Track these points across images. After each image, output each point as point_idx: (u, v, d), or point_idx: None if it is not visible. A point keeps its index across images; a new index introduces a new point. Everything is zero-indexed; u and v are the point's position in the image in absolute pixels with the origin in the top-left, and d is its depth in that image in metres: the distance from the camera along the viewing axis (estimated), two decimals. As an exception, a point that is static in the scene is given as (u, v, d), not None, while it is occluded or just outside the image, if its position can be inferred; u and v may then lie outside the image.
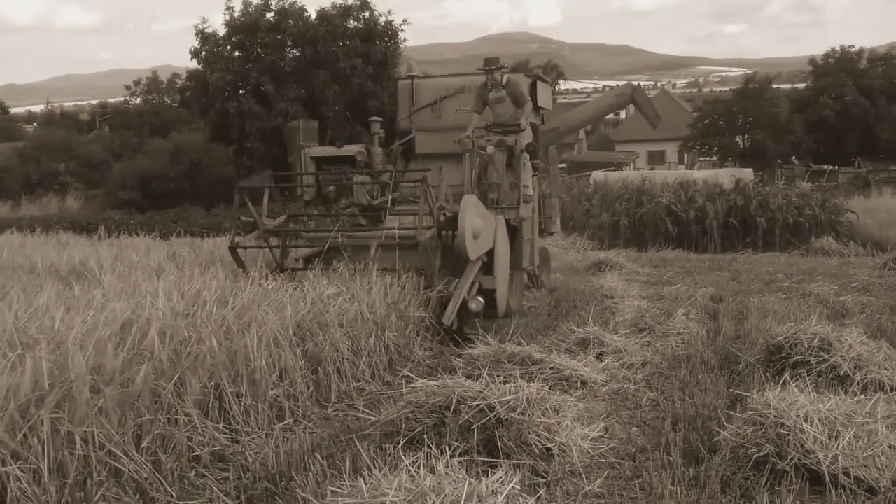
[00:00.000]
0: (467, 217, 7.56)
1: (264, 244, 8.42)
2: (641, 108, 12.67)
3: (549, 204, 11.12)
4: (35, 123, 50.47)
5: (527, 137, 9.25)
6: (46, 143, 31.28)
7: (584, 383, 5.74)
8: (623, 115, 69.63)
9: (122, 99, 49.00)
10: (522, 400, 4.36)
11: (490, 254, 8.12)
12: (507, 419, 4.26)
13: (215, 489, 4.03)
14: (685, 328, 7.64)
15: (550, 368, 5.84)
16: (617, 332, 7.26)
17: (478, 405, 4.33)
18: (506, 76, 9.39)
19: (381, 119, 10.25)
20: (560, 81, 54.58)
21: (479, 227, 7.70)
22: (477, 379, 4.79)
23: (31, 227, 15.80)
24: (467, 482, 3.22)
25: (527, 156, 9.16)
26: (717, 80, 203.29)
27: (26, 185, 28.12)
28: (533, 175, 9.66)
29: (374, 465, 3.72)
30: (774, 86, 45.97)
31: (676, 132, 47.38)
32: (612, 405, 5.40)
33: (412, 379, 5.07)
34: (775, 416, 4.18)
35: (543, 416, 4.35)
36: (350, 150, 9.62)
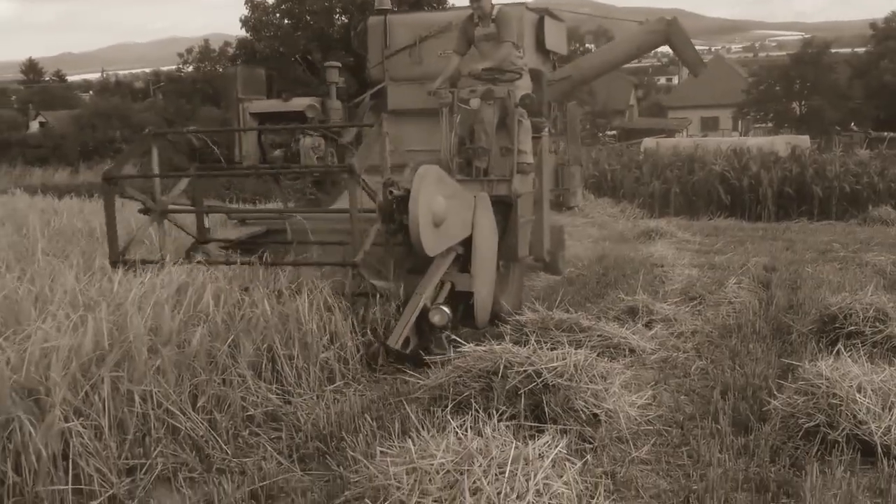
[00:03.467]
0: (421, 197, 5.52)
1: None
2: (679, 51, 9.61)
3: (567, 172, 9.23)
4: (91, 92, 51.47)
5: (525, 88, 7.17)
6: (102, 111, 31.95)
7: (632, 351, 5.73)
8: (675, 80, 68.26)
9: (174, 67, 49.58)
10: (570, 366, 4.37)
11: (467, 244, 6.27)
12: (554, 385, 4.28)
13: (268, 447, 4.15)
14: (737, 297, 7.54)
15: (598, 336, 5.83)
16: (666, 301, 7.20)
17: (525, 371, 4.35)
18: (497, 6, 7.29)
19: (338, 65, 8.31)
20: (611, 47, 53.63)
21: (441, 209, 5.74)
22: (524, 345, 4.81)
23: (88, 192, 16.19)
24: (514, 445, 3.25)
25: (523, 112, 7.03)
26: (773, 44, 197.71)
27: (83, 151, 28.79)
28: (535, 137, 7.53)
29: (422, 427, 3.78)
30: (833, 50, 44.65)
31: (731, 98, 46.44)
32: (661, 373, 5.39)
33: (459, 344, 5.12)
34: (827, 387, 4.13)
35: (591, 382, 4.36)
36: (298, 104, 7.66)
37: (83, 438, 3.66)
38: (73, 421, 3.65)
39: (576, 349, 4.70)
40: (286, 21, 26.74)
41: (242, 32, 27.48)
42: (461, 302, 6.16)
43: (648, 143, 24.75)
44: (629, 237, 12.93)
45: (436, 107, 6.81)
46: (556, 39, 8.58)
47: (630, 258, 10.32)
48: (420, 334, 5.78)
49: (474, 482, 3.03)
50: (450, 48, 7.43)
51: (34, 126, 35.34)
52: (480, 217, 6.37)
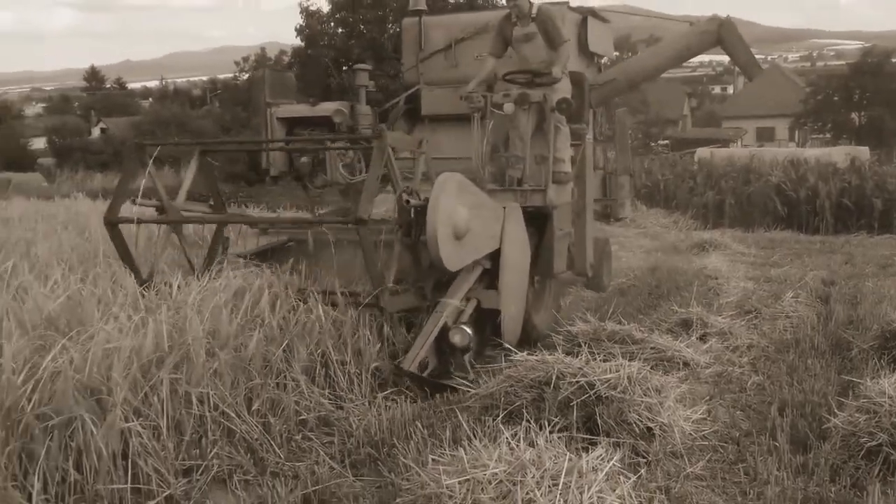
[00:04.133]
0: (441, 207, 5.12)
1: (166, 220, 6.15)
2: (733, 53, 8.56)
3: (616, 183, 8.86)
4: (150, 99, 52.78)
5: (563, 92, 6.64)
6: (161, 118, 32.70)
7: (686, 364, 5.64)
8: (730, 89, 67.23)
9: (231, 75, 50.51)
10: (623, 378, 4.32)
11: (496, 258, 5.89)
12: (607, 397, 4.24)
13: (321, 452, 4.18)
14: (794, 311, 7.38)
15: (651, 348, 5.75)
16: (721, 314, 7.07)
17: (578, 382, 4.32)
18: (536, 5, 6.80)
19: (368, 68, 7.95)
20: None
21: (463, 221, 5.33)
22: (577, 356, 4.78)
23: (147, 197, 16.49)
24: (567, 457, 3.23)
25: (561, 118, 6.57)
26: (831, 53, 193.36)
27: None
28: (575, 144, 7.09)
29: (474, 436, 3.78)
30: (894, 59, 43.44)
31: (787, 108, 45.54)
32: (716, 388, 5.30)
33: (511, 353, 5.11)
34: (890, 405, 4.01)
35: (645, 395, 4.30)
36: (326, 108, 7.23)
37: (142, 438, 3.74)
38: (132, 421, 3.74)
39: (629, 361, 4.65)
40: (340, 30, 27.05)
41: (298, 41, 27.90)
42: (488, 320, 5.81)
43: (702, 152, 24.41)
44: (682, 248, 12.75)
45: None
46: (600, 41, 8.17)
47: (683, 270, 10.17)
48: (440, 356, 5.39)
49: (527, 493, 3.02)
50: (486, 50, 7.06)
51: (96, 132, 36.36)
52: (510, 229, 5.94)
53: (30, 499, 3.38)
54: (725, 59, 9.71)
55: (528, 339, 6.16)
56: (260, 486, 3.85)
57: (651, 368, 4.89)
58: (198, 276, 5.27)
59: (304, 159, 7.14)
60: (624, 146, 9.07)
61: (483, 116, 6.42)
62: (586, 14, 7.87)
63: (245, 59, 49.73)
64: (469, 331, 5.37)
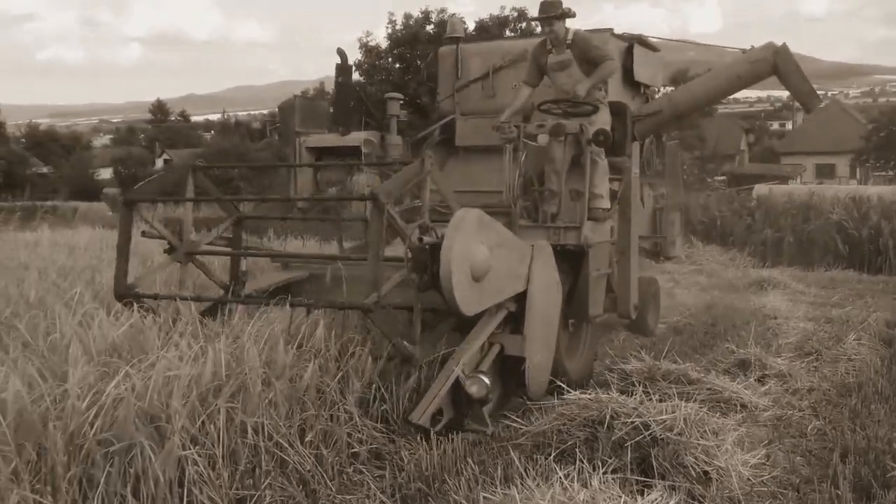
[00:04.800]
0: (457, 245, 4.66)
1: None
2: (788, 82, 7.82)
3: (666, 219, 8.45)
4: (212, 131, 54.17)
5: (602, 123, 6.29)
6: (222, 150, 33.50)
7: (744, 406, 5.51)
8: (789, 125, 66.22)
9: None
10: (680, 420, 4.25)
11: (522, 300, 5.43)
12: (663, 438, 4.17)
13: (372, 486, 4.19)
14: (856, 354, 7.17)
15: (708, 389, 5.64)
16: (780, 355, 6.91)
17: (632, 422, 4.26)
18: (571, 29, 6.45)
19: (400, 97, 7.79)
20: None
21: (482, 260, 4.86)
22: (631, 395, 4.71)
23: (207, 226, 16.85)
24: (623, 500, 3.18)
25: (599, 150, 6.19)
26: (894, 89, 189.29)
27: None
28: (615, 178, 6.74)
29: (525, 474, 3.75)
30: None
31: (848, 144, 44.66)
32: (775, 432, 5.16)
33: (564, 391, 5.06)
34: (960, 455, 3.86)
35: (702, 437, 4.22)
36: (354, 138, 7.05)
37: (198, 467, 3.79)
38: (189, 449, 3.79)
39: (685, 402, 4.57)
40: (397, 65, 27.49)
41: (356, 76, 28.42)
42: (512, 368, 5.38)
43: (761, 189, 23.97)
44: (739, 286, 12.51)
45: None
46: (647, 71, 7.85)
47: (740, 308, 9.97)
48: (456, 406, 4.99)
49: (581, 536, 2.98)
50: (521, 79, 6.79)
51: (160, 163, 37.40)
52: (538, 270, 5.48)
53: (89, 523, 3.45)
54: (784, 94, 9.40)
55: (558, 385, 5.50)
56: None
57: (708, 410, 4.80)
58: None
59: (331, 190, 6.99)
60: (674, 180, 8.70)
61: (516, 148, 6.16)
62: (632, 41, 7.58)
63: (304, 93, 50.73)
64: (486, 381, 4.97)
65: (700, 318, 9.38)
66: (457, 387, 4.93)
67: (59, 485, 3.42)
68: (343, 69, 7.08)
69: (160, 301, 5.50)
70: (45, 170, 34.26)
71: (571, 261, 6.11)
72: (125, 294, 5.54)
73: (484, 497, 3.59)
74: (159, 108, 48.43)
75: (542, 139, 6.10)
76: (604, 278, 6.57)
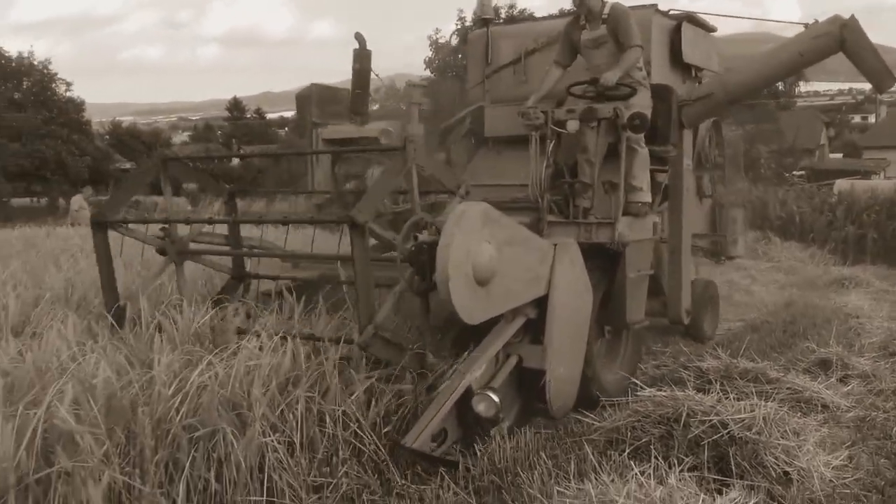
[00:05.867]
0: (455, 244, 4.15)
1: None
2: (857, 59, 6.73)
3: (727, 216, 7.88)
4: (286, 128, 55.17)
5: (641, 107, 5.65)
6: (294, 146, 34.03)
7: (825, 407, 5.36)
8: (872, 118, 63.83)
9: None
10: (759, 419, 4.16)
11: (543, 305, 4.92)
12: (741, 437, 4.09)
13: (446, 476, 4.22)
14: (945, 355, 6.88)
15: (787, 388, 5.50)
16: (863, 355, 6.69)
17: (710, 420, 4.19)
18: (608, 3, 5.87)
19: (423, 84, 7.20)
20: (801, 83, 50.95)
21: (487, 261, 4.31)
22: (707, 393, 4.64)
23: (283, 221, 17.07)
24: (701, 498, 3.14)
25: (637, 137, 5.61)
26: None
27: (279, 182, 30.73)
28: (658, 170, 6.18)
29: (600, 469, 3.73)
30: None
31: (938, 138, 42.75)
32: (858, 433, 5.00)
33: (638, 388, 5.00)
34: None
35: (782, 437, 4.13)
36: (373, 129, 6.59)
37: (278, 453, 3.90)
38: (269, 436, 3.90)
39: (764, 401, 4.48)
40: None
41: (427, 73, 28.58)
42: (533, 382, 4.88)
43: (842, 184, 23.17)
44: (819, 284, 12.14)
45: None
46: (698, 52, 7.13)
47: (820, 307, 9.66)
48: (463, 426, 4.52)
49: (658, 532, 2.95)
50: (553, 59, 6.23)
51: (236, 160, 38.26)
52: (561, 271, 4.92)
53: (174, 504, 3.58)
54: (867, 86, 8.50)
55: (593, 400, 5.24)
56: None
57: (788, 410, 4.69)
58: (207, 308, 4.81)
59: (348, 185, 6.47)
60: (736, 173, 8.24)
61: (543, 136, 5.54)
62: (681, 19, 6.94)
63: (376, 91, 51.12)
64: (496, 399, 4.44)
65: (778, 316, 9.13)
66: (465, 403, 4.45)
67: (147, 468, 3.56)
68: (361, 55, 6.56)
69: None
70: (127, 166, 35.45)
71: (608, 261, 5.61)
72: (118, 314, 5.13)
73: (558, 491, 3.59)
74: (236, 106, 49.51)
75: (572, 125, 5.43)
76: (645, 280, 6.01)
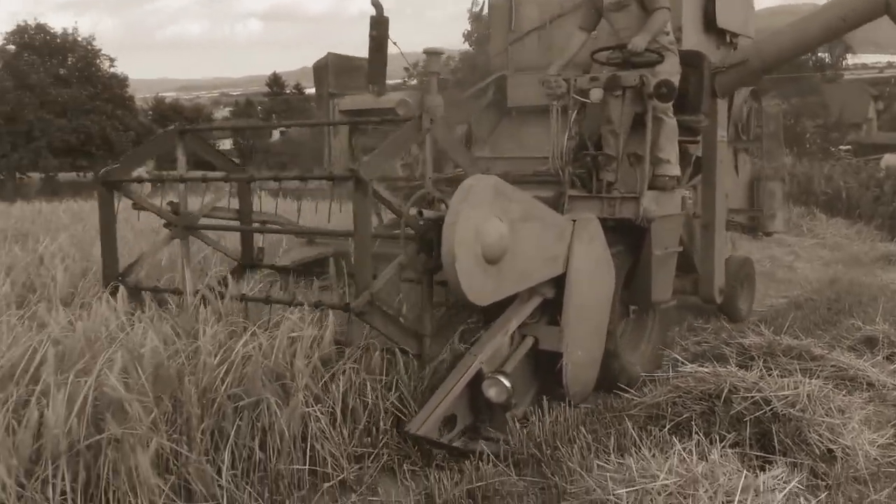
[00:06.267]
0: (462, 220, 3.98)
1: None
2: None
3: (765, 190, 7.60)
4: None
5: (669, 74, 5.39)
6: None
7: (871, 385, 5.26)
8: (924, 92, 61.92)
9: (400, 80, 51.93)
10: (803, 396, 4.11)
11: (562, 284, 4.75)
12: (784, 414, 4.04)
13: (485, 449, 4.24)
14: None
15: (832, 366, 5.41)
16: (912, 333, 6.55)
17: (752, 397, 4.15)
18: None
19: (441, 51, 6.53)
20: (847, 56, 49.64)
21: (498, 239, 4.13)
22: (749, 370, 4.59)
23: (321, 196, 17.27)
24: (744, 474, 3.12)
25: (665, 107, 5.34)
26: None
27: (316, 158, 30.94)
28: (688, 141, 5.91)
29: (641, 444, 3.73)
30: None
31: None
32: (905, 412, 4.93)
33: (679, 363, 4.97)
34: None
35: (826, 415, 4.08)
36: (390, 99, 6.19)
37: (320, 423, 3.97)
38: (312, 406, 3.97)
39: (808, 379, 4.42)
40: (507, 34, 27.29)
41: (465, 46, 28.39)
42: (550, 364, 4.69)
43: (890, 159, 22.69)
44: (865, 261, 11.91)
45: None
46: (733, 15, 6.73)
47: (866, 284, 9.49)
48: (474, 411, 4.38)
49: (699, 507, 2.95)
50: (576, 24, 5.94)
51: (276, 135, 38.52)
52: (580, 249, 4.73)
53: (219, 472, 3.66)
54: None
55: (615, 382, 5.12)
56: (426, 478, 3.97)
57: (833, 387, 4.62)
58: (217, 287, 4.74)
59: (366, 159, 6.33)
60: (775, 146, 7.78)
61: (565, 106, 5.31)
62: None
63: (413, 66, 50.93)
64: (507, 383, 4.25)
65: (823, 294, 8.98)
66: (476, 387, 4.31)
67: (193, 435, 3.64)
68: (378, 22, 6.32)
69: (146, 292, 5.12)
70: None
71: (634, 237, 5.37)
72: (115, 283, 5.06)
73: (598, 465, 3.59)
74: (275, 82, 49.68)
75: (596, 94, 5.20)
76: (672, 258, 5.73)
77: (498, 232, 4.15)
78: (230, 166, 5.87)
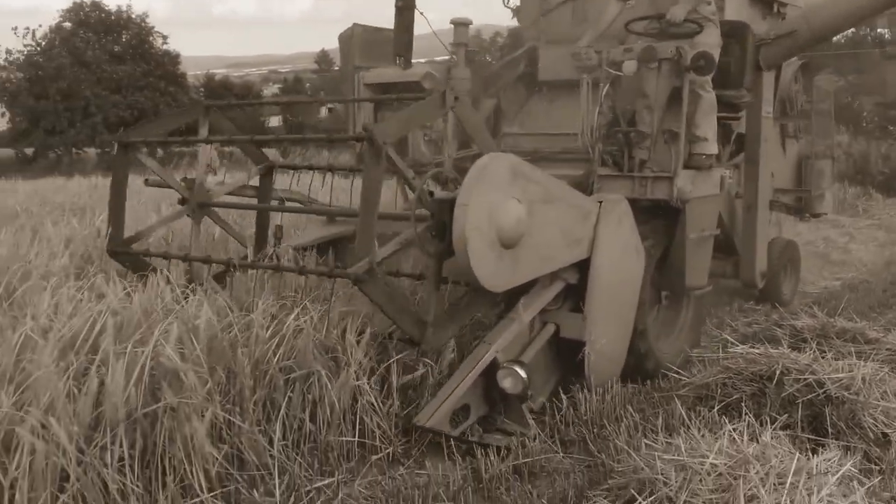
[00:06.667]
0: (475, 202, 3.79)
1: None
2: None
3: (813, 169, 7.24)
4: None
5: (709, 46, 5.10)
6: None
7: (928, 370, 5.16)
8: None
9: (447, 57, 51.57)
10: (858, 379, 4.04)
11: (584, 270, 4.55)
12: (838, 397, 3.98)
13: (533, 427, 4.26)
14: None
15: (888, 349, 5.28)
16: (974, 318, 6.39)
17: (805, 379, 4.09)
18: None
19: (468, 22, 6.20)
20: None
21: (514, 221, 3.95)
22: (802, 352, 4.52)
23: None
24: (796, 457, 3.09)
25: (703, 80, 5.08)
26: None
27: (361, 138, 31.00)
28: (728, 117, 5.65)
29: (690, 424, 3.70)
30: None
31: None
32: (964, 398, 4.80)
33: (730, 344, 4.91)
34: None
35: (882, 398, 4.00)
36: (416, 72, 5.86)
37: (370, 397, 4.02)
38: (362, 380, 4.02)
39: (863, 361, 4.34)
40: (557, 9, 26.89)
41: (514, 22, 28.06)
42: (571, 354, 4.48)
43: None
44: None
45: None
46: None
47: (926, 265, 9.25)
48: (489, 402, 4.22)
49: (750, 489, 2.91)
50: None
51: (323, 112, 38.68)
52: (607, 232, 4.51)
53: (271, 442, 3.74)
54: None
55: (644, 371, 4.95)
56: (473, 455, 4.00)
57: (889, 371, 4.53)
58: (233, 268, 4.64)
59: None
60: (826, 124, 7.43)
61: (597, 79, 5.07)
62: None
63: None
64: (523, 374, 4.05)
65: (878, 276, 8.79)
66: (491, 377, 4.15)
67: (245, 406, 3.72)
68: None
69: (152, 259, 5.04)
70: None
71: (668, 219, 5.14)
72: (118, 251, 5.03)
73: (646, 444, 3.58)
74: (324, 59, 49.85)
75: (629, 67, 4.93)
76: (708, 241, 5.46)
77: (515, 214, 3.95)
78: (253, 153, 5.76)
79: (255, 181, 5.73)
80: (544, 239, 4.17)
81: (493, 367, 4.12)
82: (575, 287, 4.56)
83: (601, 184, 5.07)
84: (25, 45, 29.60)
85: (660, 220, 5.13)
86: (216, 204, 5.29)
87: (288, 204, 5.72)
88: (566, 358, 4.55)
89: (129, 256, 4.96)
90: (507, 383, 4.07)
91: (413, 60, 6.07)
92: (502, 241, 3.93)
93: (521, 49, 6.47)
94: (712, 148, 5.27)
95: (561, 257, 4.39)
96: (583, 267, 4.53)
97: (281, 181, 6.15)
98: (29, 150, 28.52)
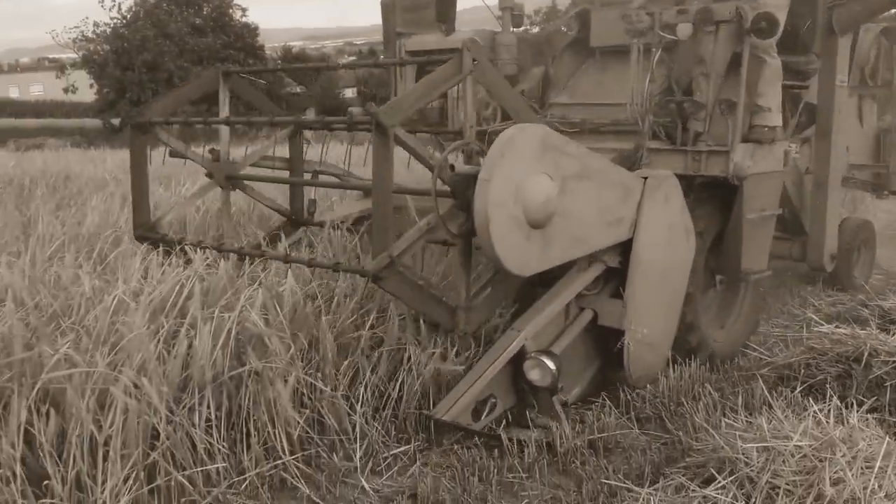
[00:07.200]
0: (497, 178, 3.45)
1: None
2: None
3: (894, 144, 6.71)
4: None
5: (775, 7, 4.58)
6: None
7: None
8: None
9: (522, 29, 50.94)
10: (952, 363, 3.89)
11: (627, 252, 4.20)
12: (929, 381, 3.85)
13: (608, 402, 4.24)
14: None
15: (984, 333, 5.08)
16: None
17: (894, 361, 3.96)
18: None
19: None
20: None
21: (543, 198, 3.59)
22: (891, 333, 4.38)
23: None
24: (886, 441, 3.00)
25: (766, 44, 4.56)
26: None
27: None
28: (794, 86, 5.19)
29: (772, 405, 3.63)
30: None
31: None
32: None
33: (814, 323, 4.78)
34: None
35: (978, 384, 3.85)
36: (459, 39, 5.27)
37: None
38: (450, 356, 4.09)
39: (958, 345, 4.17)
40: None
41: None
42: (610, 343, 4.20)
43: None
44: None
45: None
46: None
47: None
48: (517, 393, 3.96)
49: (836, 472, 2.85)
50: None
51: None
52: (651, 211, 4.12)
53: (352, 409, 3.82)
54: None
55: (698, 359, 4.61)
56: (549, 428, 4.00)
57: None
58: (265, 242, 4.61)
59: (430, 105, 5.38)
60: None
61: (649, 44, 4.62)
62: None
63: (536, 13, 49.80)
64: (552, 365, 3.79)
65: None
66: (519, 366, 3.90)
67: (328, 372, 3.81)
68: None
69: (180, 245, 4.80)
70: (298, 90, 36.74)
71: (718, 198, 4.77)
72: (145, 236, 4.91)
73: (725, 423, 3.52)
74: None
75: (684, 30, 4.48)
76: (770, 222, 5.04)
77: (545, 191, 3.59)
78: (276, 112, 5.54)
79: (283, 154, 5.56)
80: (579, 218, 3.84)
81: (520, 357, 3.88)
82: (616, 271, 4.25)
83: (651, 158, 4.73)
84: (112, 18, 30.49)
85: (716, 198, 4.79)
86: (245, 177, 5.13)
87: (322, 179, 5.55)
88: (605, 347, 4.29)
89: (158, 240, 4.85)
90: (534, 374, 3.84)
91: (460, 29, 5.86)
92: (530, 221, 3.59)
93: (572, 12, 6.04)
94: (776, 119, 4.80)
95: (598, 238, 4.05)
96: (626, 249, 4.20)
97: (312, 152, 6.01)
98: (115, 121, 29.47)
